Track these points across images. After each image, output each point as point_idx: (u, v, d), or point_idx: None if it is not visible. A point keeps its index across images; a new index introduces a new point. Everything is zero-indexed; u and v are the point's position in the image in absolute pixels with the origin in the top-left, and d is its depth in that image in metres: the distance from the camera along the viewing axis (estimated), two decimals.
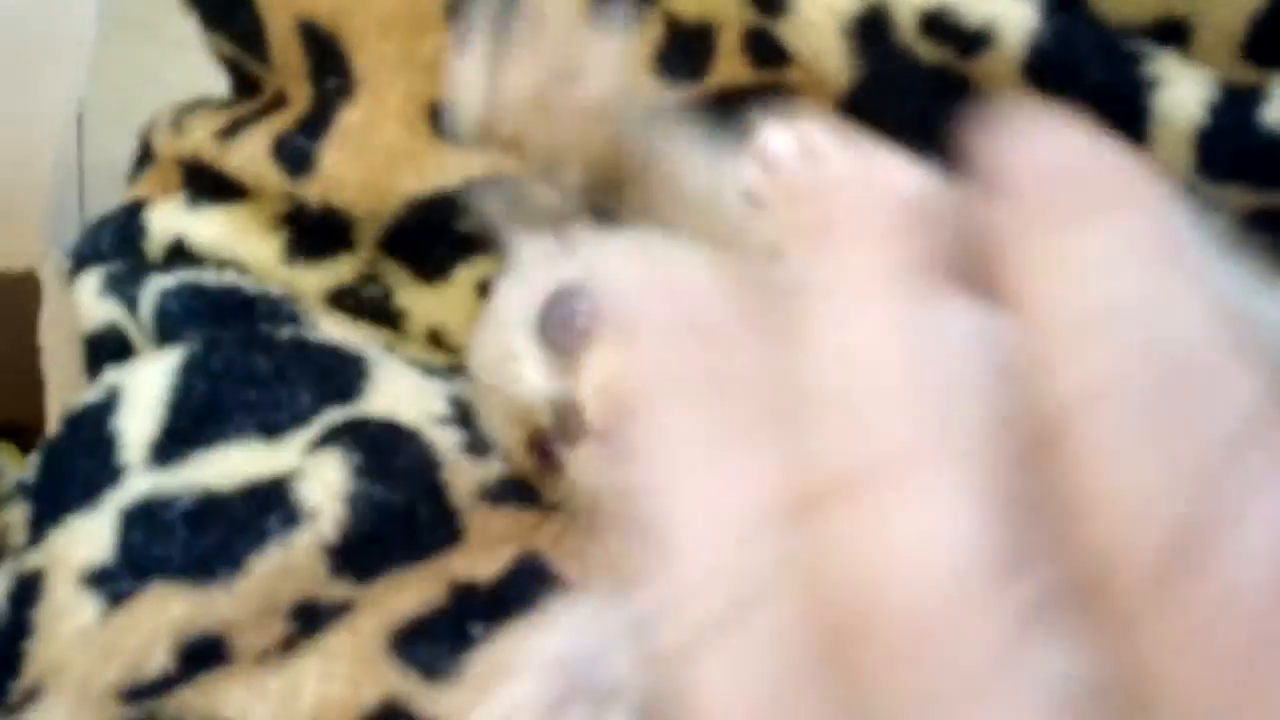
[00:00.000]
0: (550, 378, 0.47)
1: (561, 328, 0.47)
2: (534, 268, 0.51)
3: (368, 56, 0.52)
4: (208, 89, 0.63)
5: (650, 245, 0.47)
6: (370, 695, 0.41)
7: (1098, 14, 0.47)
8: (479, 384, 0.51)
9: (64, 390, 0.85)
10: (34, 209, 0.89)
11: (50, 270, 0.87)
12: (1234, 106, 0.45)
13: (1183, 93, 0.45)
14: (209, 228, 0.59)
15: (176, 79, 0.68)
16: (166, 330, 0.55)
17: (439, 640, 0.42)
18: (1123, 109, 0.46)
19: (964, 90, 0.48)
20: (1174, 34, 0.47)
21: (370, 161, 0.53)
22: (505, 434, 0.49)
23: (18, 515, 0.50)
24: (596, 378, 0.46)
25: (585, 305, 0.47)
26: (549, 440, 0.47)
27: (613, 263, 0.45)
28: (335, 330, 0.57)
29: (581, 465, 0.46)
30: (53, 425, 0.54)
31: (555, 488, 0.48)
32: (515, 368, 0.47)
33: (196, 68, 0.66)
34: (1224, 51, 0.47)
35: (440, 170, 0.53)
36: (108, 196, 0.67)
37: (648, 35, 0.50)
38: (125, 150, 0.67)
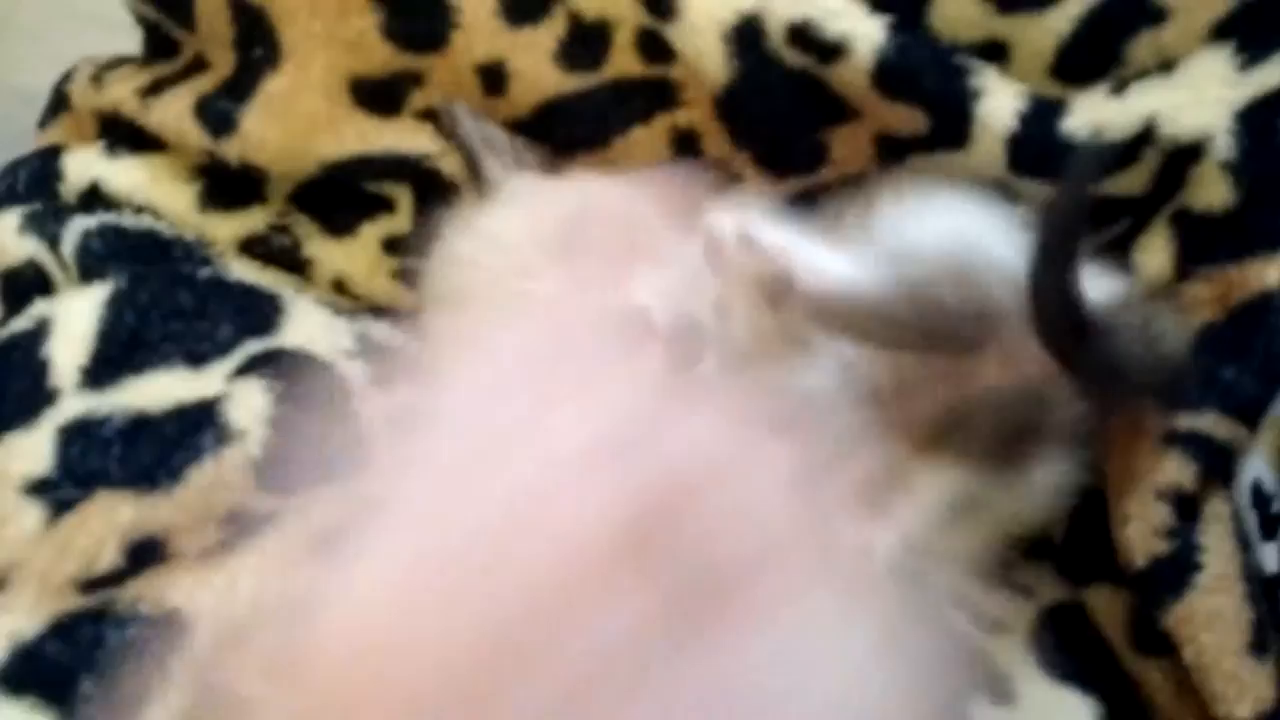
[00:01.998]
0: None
1: (587, 246, 0.52)
2: (525, 197, 0.56)
3: (296, 31, 0.58)
4: None
5: None
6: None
7: (934, 33, 0.56)
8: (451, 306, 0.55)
9: None
10: None
11: None
12: (1041, 116, 0.54)
13: (1000, 102, 0.54)
14: (126, 175, 0.63)
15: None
16: (89, 267, 0.59)
17: None
18: (951, 113, 0.55)
19: (823, 92, 0.56)
20: (996, 52, 0.56)
21: (291, 127, 0.59)
22: None
23: None
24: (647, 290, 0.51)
25: (611, 226, 0.53)
26: None
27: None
28: (247, 276, 0.62)
29: None
30: None
31: None
32: (528, 285, 0.52)
33: None
34: (1036, 69, 0.56)
35: (359, 138, 0.59)
36: None
37: (552, 30, 0.57)
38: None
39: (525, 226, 0.55)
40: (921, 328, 0.46)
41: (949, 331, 0.46)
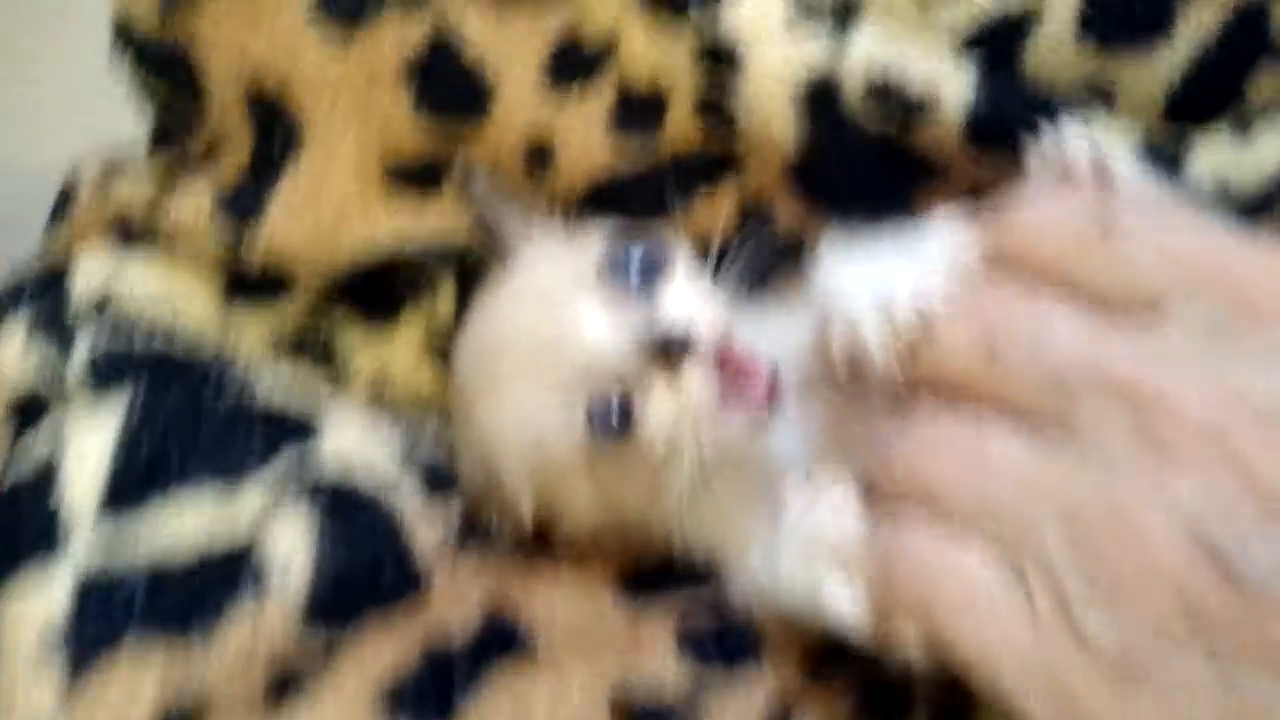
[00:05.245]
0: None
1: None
2: (551, 252, 0.51)
3: (318, 112, 0.52)
4: None
5: None
6: None
7: (1029, 78, 0.50)
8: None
9: None
10: None
11: None
12: (1158, 167, 0.48)
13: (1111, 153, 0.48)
14: (141, 281, 0.57)
15: None
16: (99, 390, 0.53)
17: (425, 701, 0.42)
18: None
19: (907, 156, 0.50)
20: (1100, 96, 0.50)
21: (320, 215, 0.53)
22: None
23: None
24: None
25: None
26: None
27: None
28: (278, 384, 0.56)
29: None
30: None
31: None
32: (579, 302, 0.46)
33: None
34: (1146, 112, 0.50)
35: (396, 222, 0.53)
36: None
37: (602, 100, 0.51)
38: None
39: (559, 270, 0.49)
40: None
41: None
